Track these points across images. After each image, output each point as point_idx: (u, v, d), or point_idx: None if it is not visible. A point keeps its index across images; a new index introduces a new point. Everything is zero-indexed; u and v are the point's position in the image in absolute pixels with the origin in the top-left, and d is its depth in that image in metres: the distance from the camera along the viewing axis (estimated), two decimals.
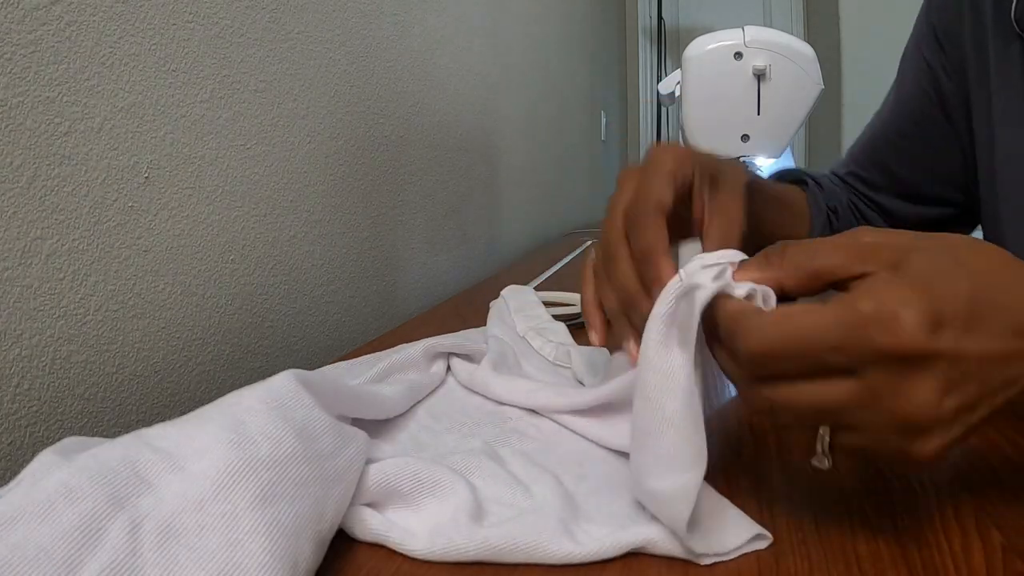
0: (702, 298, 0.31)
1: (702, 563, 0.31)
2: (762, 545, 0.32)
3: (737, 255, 0.34)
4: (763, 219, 0.58)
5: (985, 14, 0.55)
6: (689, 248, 0.36)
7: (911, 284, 0.28)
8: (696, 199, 0.42)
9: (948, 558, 0.31)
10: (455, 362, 0.55)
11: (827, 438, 0.30)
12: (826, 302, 0.29)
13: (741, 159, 1.41)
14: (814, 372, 0.29)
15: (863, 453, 0.30)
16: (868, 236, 0.31)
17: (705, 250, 0.38)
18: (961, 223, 0.66)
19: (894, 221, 0.68)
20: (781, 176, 0.71)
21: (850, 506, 0.36)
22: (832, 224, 0.66)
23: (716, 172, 0.42)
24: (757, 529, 0.32)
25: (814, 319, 0.28)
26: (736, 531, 0.32)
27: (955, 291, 0.28)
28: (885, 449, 0.29)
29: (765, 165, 1.48)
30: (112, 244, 0.49)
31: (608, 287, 0.41)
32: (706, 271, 0.32)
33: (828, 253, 0.31)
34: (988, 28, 0.55)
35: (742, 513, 0.34)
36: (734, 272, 0.32)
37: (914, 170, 0.65)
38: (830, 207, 0.66)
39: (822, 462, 0.31)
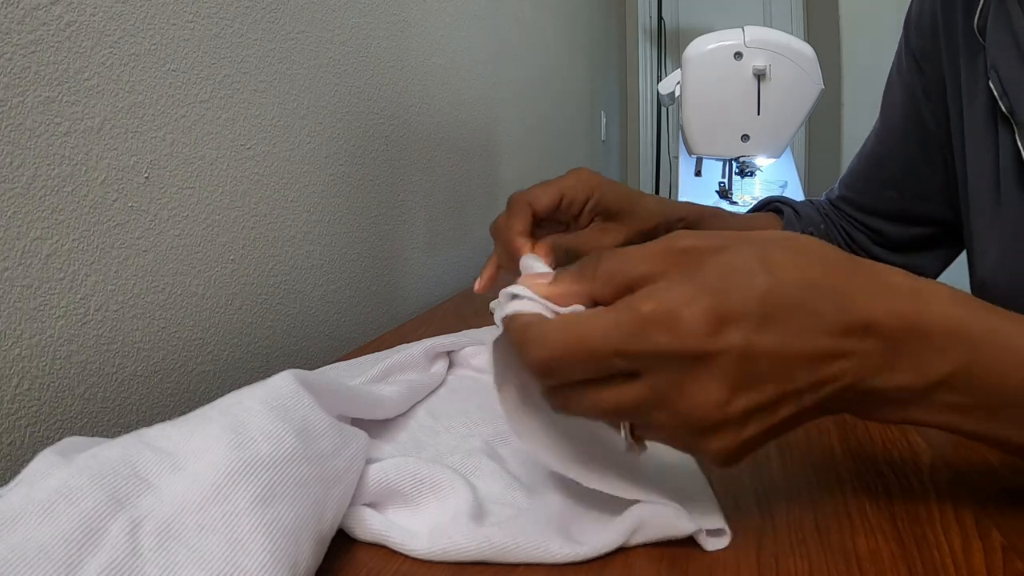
0: (499, 322, 0.31)
1: (683, 535, 0.32)
2: (723, 543, 0.32)
3: (546, 269, 0.34)
4: None
5: (957, 30, 0.56)
6: (528, 261, 0.37)
7: (696, 284, 0.28)
8: (582, 222, 0.51)
9: (948, 558, 0.31)
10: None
11: (629, 435, 0.31)
12: (610, 307, 0.29)
13: (741, 159, 1.41)
14: (601, 376, 0.28)
15: (667, 444, 0.31)
16: (684, 240, 0.30)
17: (558, 240, 0.47)
18: (951, 240, 0.66)
19: (884, 241, 0.68)
20: (758, 206, 0.72)
21: (850, 506, 0.36)
22: None
23: (623, 209, 0.50)
24: (720, 523, 0.33)
25: (595, 323, 0.28)
26: (702, 518, 0.33)
27: (747, 290, 0.28)
28: (681, 444, 0.30)
29: (765, 165, 1.49)
30: (112, 244, 0.49)
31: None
32: (505, 297, 0.32)
33: (638, 261, 0.30)
34: (960, 44, 0.55)
35: (716, 505, 0.34)
36: (550, 283, 0.31)
37: (902, 193, 0.66)
38: (805, 234, 0.67)
39: (634, 449, 0.31)
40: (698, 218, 0.56)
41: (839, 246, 0.68)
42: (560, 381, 0.29)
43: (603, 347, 0.27)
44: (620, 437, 0.32)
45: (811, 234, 0.67)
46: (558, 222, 0.53)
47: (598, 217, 0.50)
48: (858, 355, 0.29)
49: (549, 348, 0.28)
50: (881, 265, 0.31)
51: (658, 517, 0.32)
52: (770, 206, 0.71)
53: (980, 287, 0.54)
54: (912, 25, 0.62)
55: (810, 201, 0.73)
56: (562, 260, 0.46)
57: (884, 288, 0.30)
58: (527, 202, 0.49)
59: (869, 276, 0.30)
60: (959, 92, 0.56)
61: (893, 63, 0.66)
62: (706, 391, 0.28)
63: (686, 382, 0.28)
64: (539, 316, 0.30)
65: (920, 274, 0.31)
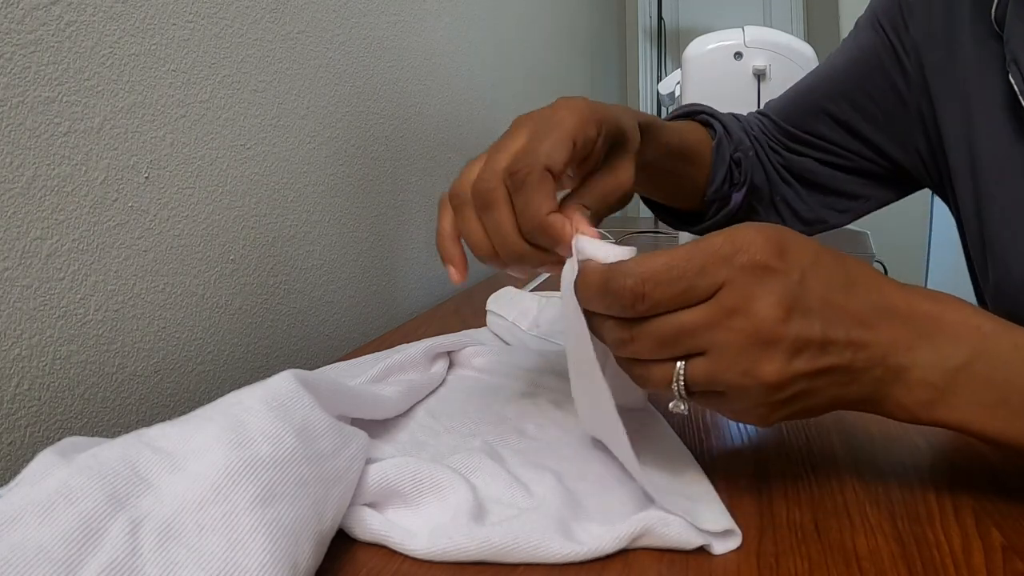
0: (573, 271, 0.35)
1: (690, 548, 0.32)
2: (733, 544, 0.32)
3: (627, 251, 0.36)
4: (664, 169, 0.55)
5: (961, 15, 0.54)
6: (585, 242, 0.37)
7: (758, 225, 0.33)
8: (594, 160, 0.41)
9: (948, 558, 0.31)
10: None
11: (683, 376, 0.33)
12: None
13: None
14: (681, 300, 0.32)
15: (715, 387, 0.32)
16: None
17: (588, 201, 0.40)
18: (900, 183, 0.63)
19: (835, 159, 0.64)
20: (682, 113, 0.65)
21: (850, 506, 0.36)
22: (732, 177, 0.62)
23: (622, 135, 0.42)
24: (730, 524, 0.33)
25: (677, 251, 0.32)
26: (711, 520, 0.33)
27: (802, 243, 0.33)
28: (734, 369, 0.32)
29: None
30: (112, 244, 0.49)
31: (479, 232, 0.40)
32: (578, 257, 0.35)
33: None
34: (964, 23, 0.53)
35: (722, 507, 0.34)
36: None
37: (844, 132, 0.62)
38: (734, 159, 0.62)
39: (678, 406, 0.34)
40: (647, 124, 0.49)
41: (765, 178, 0.64)
42: (646, 306, 0.32)
43: (687, 266, 0.31)
44: (664, 407, 0.35)
45: (738, 158, 0.62)
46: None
47: (605, 148, 0.42)
48: (887, 333, 0.33)
49: (639, 274, 0.32)
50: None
51: (663, 527, 0.32)
52: (697, 116, 0.64)
53: (996, 287, 0.52)
54: None
55: (736, 117, 0.66)
56: (596, 223, 0.40)
57: (906, 287, 0.34)
58: (544, 168, 0.37)
59: (894, 281, 0.35)
60: (952, 70, 0.54)
61: (868, 9, 0.63)
62: (768, 303, 0.31)
63: (752, 292, 0.31)
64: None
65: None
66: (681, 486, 0.36)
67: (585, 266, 0.34)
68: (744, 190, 0.62)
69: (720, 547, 0.32)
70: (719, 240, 0.32)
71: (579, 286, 0.34)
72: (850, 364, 0.32)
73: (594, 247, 0.35)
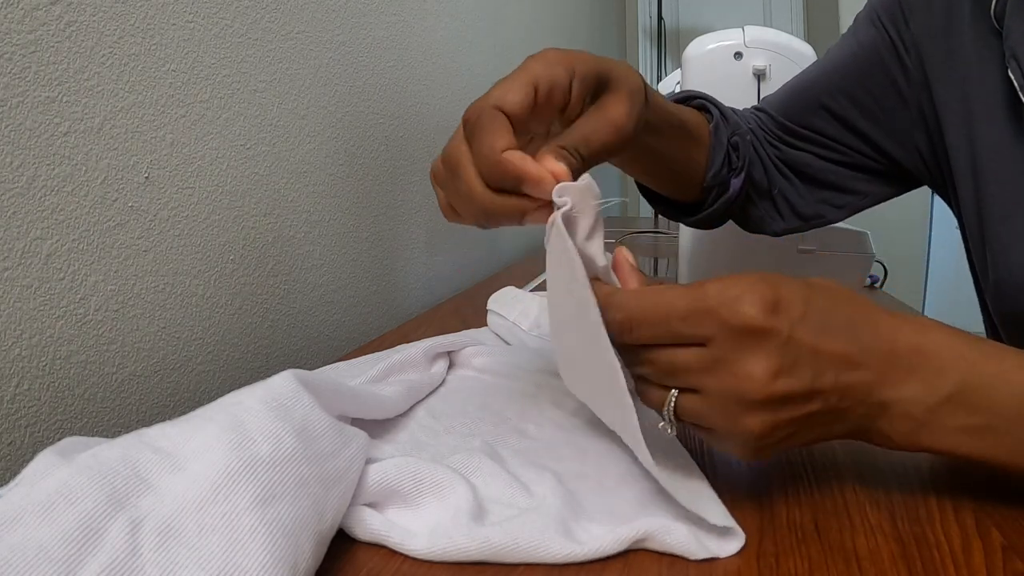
0: (558, 224, 0.34)
1: (693, 558, 0.32)
2: (736, 546, 0.32)
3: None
4: (663, 143, 0.54)
5: (961, 10, 0.54)
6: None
7: (752, 279, 0.33)
8: (575, 106, 0.39)
9: (948, 558, 0.31)
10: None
11: (673, 402, 0.34)
12: (681, 285, 0.34)
13: None
14: (669, 339, 0.33)
15: (702, 423, 0.34)
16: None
17: (564, 142, 0.37)
18: (897, 180, 0.63)
19: (833, 152, 0.64)
20: (685, 98, 0.64)
21: (850, 506, 0.36)
22: (731, 162, 0.61)
23: (606, 74, 0.40)
24: (731, 523, 0.33)
25: (667, 294, 0.33)
26: (714, 516, 0.33)
27: (793, 292, 0.33)
28: (721, 416, 0.33)
29: None
30: (112, 244, 0.49)
31: (457, 198, 0.39)
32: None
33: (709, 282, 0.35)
34: (964, 21, 0.53)
35: (724, 510, 0.34)
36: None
37: (842, 127, 0.62)
38: (731, 143, 0.61)
39: (666, 429, 0.35)
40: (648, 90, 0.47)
41: (763, 172, 0.64)
42: (634, 341, 0.34)
43: (672, 313, 0.33)
44: (654, 417, 0.35)
45: (736, 143, 0.61)
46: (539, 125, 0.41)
47: (588, 88, 0.39)
48: (875, 368, 0.33)
49: (626, 311, 0.33)
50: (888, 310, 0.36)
51: (664, 535, 0.32)
52: (694, 101, 0.63)
53: (996, 286, 0.52)
54: None
55: (733, 110, 0.65)
56: (578, 165, 0.37)
57: (893, 318, 0.35)
58: (495, 107, 0.36)
59: (881, 311, 0.35)
60: (952, 70, 0.54)
61: (867, 6, 0.62)
62: (758, 364, 0.32)
63: (740, 354, 0.32)
64: (615, 287, 0.36)
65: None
66: (682, 488, 0.36)
67: (596, 288, 0.35)
68: (743, 176, 0.61)
69: (725, 550, 0.32)
70: (712, 289, 0.32)
71: None
72: (835, 407, 0.33)
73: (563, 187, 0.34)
